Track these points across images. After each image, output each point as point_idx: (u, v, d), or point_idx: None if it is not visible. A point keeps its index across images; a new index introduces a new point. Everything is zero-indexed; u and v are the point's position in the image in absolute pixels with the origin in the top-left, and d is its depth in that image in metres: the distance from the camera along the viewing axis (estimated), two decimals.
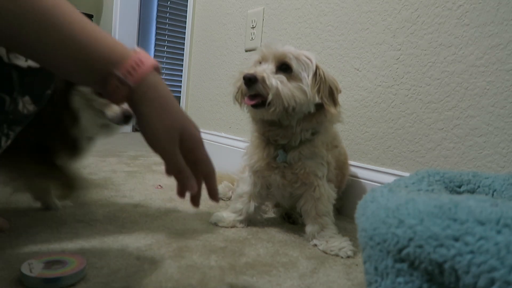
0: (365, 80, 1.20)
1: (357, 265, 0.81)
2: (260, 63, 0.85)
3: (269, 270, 0.74)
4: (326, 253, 0.86)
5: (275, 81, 0.79)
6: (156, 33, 3.64)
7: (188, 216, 1.05)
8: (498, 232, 0.36)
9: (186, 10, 2.19)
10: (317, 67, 0.84)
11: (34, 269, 0.60)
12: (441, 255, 0.38)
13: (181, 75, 2.25)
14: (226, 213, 1.01)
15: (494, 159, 0.91)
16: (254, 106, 0.81)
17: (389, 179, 0.87)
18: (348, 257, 0.85)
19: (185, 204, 1.18)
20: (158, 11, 3.62)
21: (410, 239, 0.42)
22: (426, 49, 1.04)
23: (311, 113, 0.85)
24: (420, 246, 0.41)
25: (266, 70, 0.80)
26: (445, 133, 1.00)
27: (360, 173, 1.19)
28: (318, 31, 1.36)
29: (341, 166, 1.05)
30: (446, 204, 0.42)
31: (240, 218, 0.99)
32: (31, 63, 0.59)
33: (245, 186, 1.00)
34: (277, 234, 0.97)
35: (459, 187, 0.70)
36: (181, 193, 0.52)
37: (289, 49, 0.83)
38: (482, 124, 0.93)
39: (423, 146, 1.05)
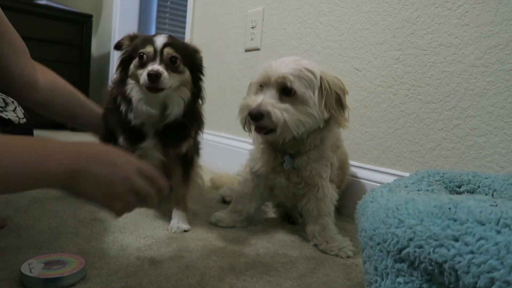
0: (365, 80, 1.20)
1: (357, 265, 0.81)
2: (261, 86, 0.84)
3: (268, 270, 0.74)
4: (326, 253, 0.86)
5: (281, 113, 0.77)
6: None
7: (188, 216, 1.05)
8: (498, 232, 0.36)
9: (186, 10, 2.19)
10: (322, 79, 0.81)
11: (34, 269, 0.60)
12: (441, 255, 0.38)
13: None
14: (226, 213, 1.01)
15: (494, 159, 0.91)
16: (265, 133, 0.81)
17: (389, 179, 0.87)
18: (348, 257, 0.85)
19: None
20: (158, 11, 3.61)
21: (410, 239, 0.42)
22: (426, 49, 1.04)
23: (322, 127, 0.86)
24: (420, 246, 0.41)
25: (268, 101, 0.78)
26: (445, 133, 1.00)
27: (360, 173, 1.19)
28: (318, 31, 1.36)
29: (342, 166, 1.05)
30: (446, 204, 0.42)
31: (240, 218, 0.99)
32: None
33: (246, 187, 0.99)
34: (277, 234, 0.97)
35: (459, 187, 0.70)
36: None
37: (289, 69, 0.79)
38: (482, 124, 0.93)
39: (423, 146, 1.05)
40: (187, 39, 2.15)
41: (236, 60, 1.79)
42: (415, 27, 1.06)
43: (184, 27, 2.21)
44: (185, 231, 0.94)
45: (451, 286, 0.38)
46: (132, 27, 2.98)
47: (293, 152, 0.89)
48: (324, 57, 1.33)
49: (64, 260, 0.64)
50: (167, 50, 0.87)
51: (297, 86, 0.79)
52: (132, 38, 0.96)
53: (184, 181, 1.02)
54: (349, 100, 1.23)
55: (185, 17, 2.23)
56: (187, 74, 0.92)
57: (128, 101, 0.92)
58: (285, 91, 0.80)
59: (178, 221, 0.96)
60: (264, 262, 0.78)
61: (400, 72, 1.10)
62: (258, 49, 1.65)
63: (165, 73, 0.85)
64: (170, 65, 0.88)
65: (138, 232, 0.88)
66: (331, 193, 0.92)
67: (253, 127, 0.83)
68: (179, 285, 0.64)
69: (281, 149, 0.90)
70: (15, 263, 0.65)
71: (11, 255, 0.69)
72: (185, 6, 2.31)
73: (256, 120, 0.78)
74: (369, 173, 1.17)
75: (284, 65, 0.81)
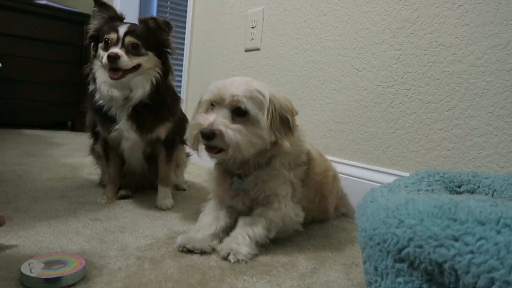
0: (365, 80, 1.20)
1: (357, 265, 0.81)
2: (212, 104, 0.81)
3: (269, 270, 0.74)
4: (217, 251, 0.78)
5: (234, 134, 0.75)
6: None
7: (188, 216, 1.05)
8: (498, 232, 0.36)
9: (186, 10, 2.19)
10: (270, 101, 0.79)
11: (34, 269, 0.60)
12: (441, 255, 0.38)
13: (181, 75, 2.25)
14: (194, 233, 0.85)
15: (494, 159, 0.91)
16: (215, 153, 0.79)
17: (389, 179, 0.87)
18: (238, 260, 0.75)
19: (184, 204, 1.19)
20: (158, 11, 3.61)
21: (410, 239, 0.42)
22: (426, 49, 1.04)
23: (268, 149, 0.83)
24: (420, 246, 0.41)
25: (221, 121, 0.76)
26: (445, 133, 1.00)
27: (360, 173, 1.19)
28: (318, 31, 1.36)
29: (318, 187, 0.98)
30: (446, 204, 0.42)
31: (210, 232, 0.84)
32: None
33: (208, 208, 0.93)
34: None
35: (459, 187, 0.70)
36: None
37: (242, 90, 0.78)
38: (482, 124, 0.93)
39: (423, 146, 1.05)
40: (187, 39, 2.15)
41: (236, 60, 1.79)
42: (415, 27, 1.06)
43: (184, 27, 2.21)
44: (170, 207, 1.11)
45: (451, 286, 0.38)
46: None
47: (240, 172, 0.86)
48: (324, 57, 1.34)
49: (64, 260, 0.64)
50: (129, 38, 1.00)
51: (251, 108, 0.77)
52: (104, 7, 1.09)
53: (167, 161, 1.16)
54: (349, 100, 1.24)
55: (185, 17, 2.23)
56: (150, 56, 1.04)
57: (94, 80, 1.05)
58: (238, 112, 0.78)
59: (164, 197, 1.13)
60: (264, 262, 0.78)
61: (400, 72, 1.10)
62: (258, 49, 1.65)
63: (124, 56, 0.97)
64: (132, 50, 1.00)
65: (138, 232, 0.88)
66: (289, 215, 0.85)
67: (202, 146, 0.80)
68: (179, 285, 0.64)
69: (229, 170, 0.87)
70: (15, 263, 0.65)
71: (11, 255, 0.69)
72: (185, 6, 2.31)
73: (208, 139, 0.76)
74: (369, 173, 1.17)
75: (235, 86, 0.79)
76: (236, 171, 0.87)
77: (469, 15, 0.95)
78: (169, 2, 3.66)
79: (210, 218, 0.88)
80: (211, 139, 0.76)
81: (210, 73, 2.00)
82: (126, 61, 0.97)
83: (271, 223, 0.83)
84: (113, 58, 0.95)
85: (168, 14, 3.69)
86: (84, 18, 2.76)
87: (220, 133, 0.75)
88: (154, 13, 3.61)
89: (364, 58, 1.20)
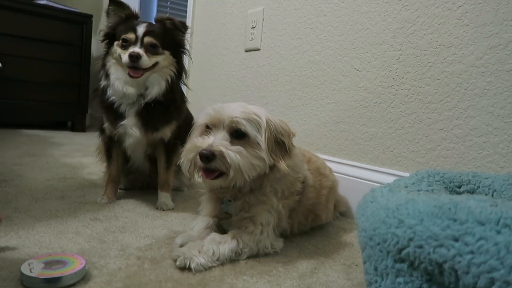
0: (365, 80, 1.20)
1: (357, 265, 0.81)
2: (208, 127, 0.80)
3: (269, 270, 0.74)
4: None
5: (235, 156, 0.73)
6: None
7: (188, 216, 1.05)
8: (498, 232, 0.36)
9: (186, 10, 2.19)
10: (267, 123, 0.78)
11: (34, 269, 0.60)
12: (441, 255, 0.38)
13: None
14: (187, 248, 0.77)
15: (493, 159, 0.91)
16: (213, 178, 0.76)
17: (389, 179, 0.87)
18: (185, 265, 0.70)
19: (184, 204, 1.19)
20: (158, 11, 3.62)
21: (410, 239, 0.42)
22: (426, 49, 1.04)
23: (267, 173, 0.81)
24: (420, 246, 0.41)
25: (220, 143, 0.74)
26: (445, 133, 1.00)
27: (360, 173, 1.19)
28: (318, 31, 1.36)
29: (311, 208, 0.95)
30: (446, 204, 0.42)
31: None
32: None
33: (198, 225, 0.90)
34: None
35: (459, 187, 0.70)
36: None
37: (240, 112, 0.77)
38: (482, 124, 0.93)
39: (423, 146, 1.05)
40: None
41: (236, 60, 1.79)
42: (415, 27, 1.06)
43: None
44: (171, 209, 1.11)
45: (451, 286, 0.38)
46: None
47: (231, 198, 0.85)
48: (324, 57, 1.34)
49: (64, 260, 0.64)
50: (148, 39, 1.03)
51: (250, 129, 0.76)
52: (121, 6, 1.10)
53: (167, 167, 1.15)
54: (349, 100, 1.24)
55: (185, 17, 2.23)
56: (166, 55, 1.07)
57: (107, 76, 1.06)
58: (237, 134, 0.76)
59: (164, 201, 1.12)
60: (264, 262, 0.78)
61: (400, 72, 1.10)
62: (258, 49, 1.65)
63: (144, 56, 1.00)
64: (150, 49, 1.03)
65: (138, 232, 0.88)
66: (265, 244, 0.81)
67: (199, 172, 0.77)
68: (179, 285, 0.64)
69: (221, 196, 0.86)
70: (15, 263, 0.65)
71: (11, 255, 0.69)
72: (185, 6, 2.31)
73: (208, 161, 0.73)
74: (369, 173, 1.17)
75: (233, 108, 0.78)
76: (227, 197, 0.85)
77: (469, 15, 0.95)
78: (169, 2, 3.67)
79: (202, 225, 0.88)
80: (210, 161, 0.73)
81: (210, 73, 2.00)
82: (147, 60, 1.01)
83: (244, 246, 0.78)
84: (135, 58, 0.98)
85: (168, 14, 3.69)
86: (84, 18, 2.76)
87: (220, 154, 0.72)
88: (154, 13, 3.62)
89: (364, 58, 1.20)
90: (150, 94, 1.04)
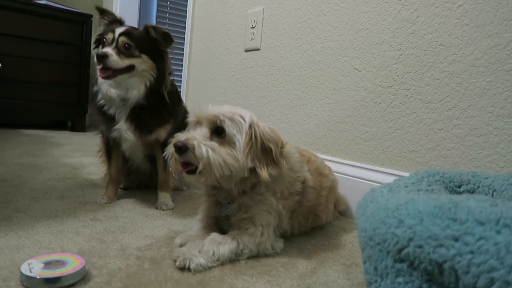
0: (365, 80, 1.20)
1: (357, 265, 0.81)
2: (198, 124, 0.81)
3: (269, 270, 0.74)
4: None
5: (205, 149, 0.74)
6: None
7: (188, 216, 1.05)
8: (498, 232, 0.36)
9: (186, 10, 2.19)
10: (250, 126, 0.78)
11: (34, 269, 0.60)
12: (441, 255, 0.38)
13: (181, 75, 2.25)
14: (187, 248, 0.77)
15: (493, 159, 0.91)
16: (187, 172, 0.77)
17: (389, 179, 0.86)
18: (185, 266, 0.71)
19: (184, 204, 1.19)
20: (158, 11, 3.62)
21: (410, 239, 0.42)
22: (426, 49, 1.04)
23: (246, 176, 0.80)
24: (420, 246, 0.41)
25: (198, 137, 0.76)
26: (445, 133, 1.00)
27: (360, 173, 1.19)
28: (318, 31, 1.36)
29: (311, 209, 0.95)
30: (446, 204, 0.42)
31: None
32: None
33: (197, 225, 0.91)
34: None
35: (459, 187, 0.70)
36: None
37: (223, 111, 0.78)
38: (482, 124, 0.93)
39: (423, 146, 1.05)
40: (187, 39, 2.15)
41: (236, 60, 1.79)
42: (415, 27, 1.06)
43: (184, 27, 2.21)
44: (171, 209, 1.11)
45: (451, 286, 0.38)
46: None
47: (227, 201, 0.86)
48: (324, 57, 1.34)
49: (64, 260, 0.64)
50: (122, 38, 1.01)
51: (228, 127, 0.77)
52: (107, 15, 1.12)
53: (165, 167, 1.14)
54: (349, 100, 1.24)
55: (185, 17, 2.23)
56: (144, 59, 1.04)
57: (97, 80, 1.07)
58: (217, 131, 0.78)
59: (164, 201, 1.12)
60: (264, 262, 0.78)
61: (400, 72, 1.10)
62: (258, 49, 1.65)
63: (113, 56, 0.98)
64: (124, 50, 1.01)
65: (138, 232, 0.88)
66: (265, 245, 0.81)
67: (178, 165, 0.79)
68: (179, 285, 0.64)
69: (215, 198, 0.87)
70: (15, 263, 0.65)
71: (11, 255, 0.69)
72: (185, 6, 2.31)
73: (180, 152, 0.75)
74: (369, 173, 1.17)
75: (218, 108, 0.80)
76: (223, 200, 0.86)
77: (469, 15, 0.95)
78: (169, 2, 3.66)
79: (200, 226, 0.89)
80: (183, 153, 0.75)
81: (210, 73, 2.00)
82: (115, 60, 0.98)
83: (244, 247, 0.78)
84: (101, 57, 0.97)
85: (168, 14, 3.69)
86: (84, 18, 2.76)
87: (192, 147, 0.74)
88: (154, 13, 3.62)
89: (364, 58, 1.20)
90: (131, 98, 1.04)
